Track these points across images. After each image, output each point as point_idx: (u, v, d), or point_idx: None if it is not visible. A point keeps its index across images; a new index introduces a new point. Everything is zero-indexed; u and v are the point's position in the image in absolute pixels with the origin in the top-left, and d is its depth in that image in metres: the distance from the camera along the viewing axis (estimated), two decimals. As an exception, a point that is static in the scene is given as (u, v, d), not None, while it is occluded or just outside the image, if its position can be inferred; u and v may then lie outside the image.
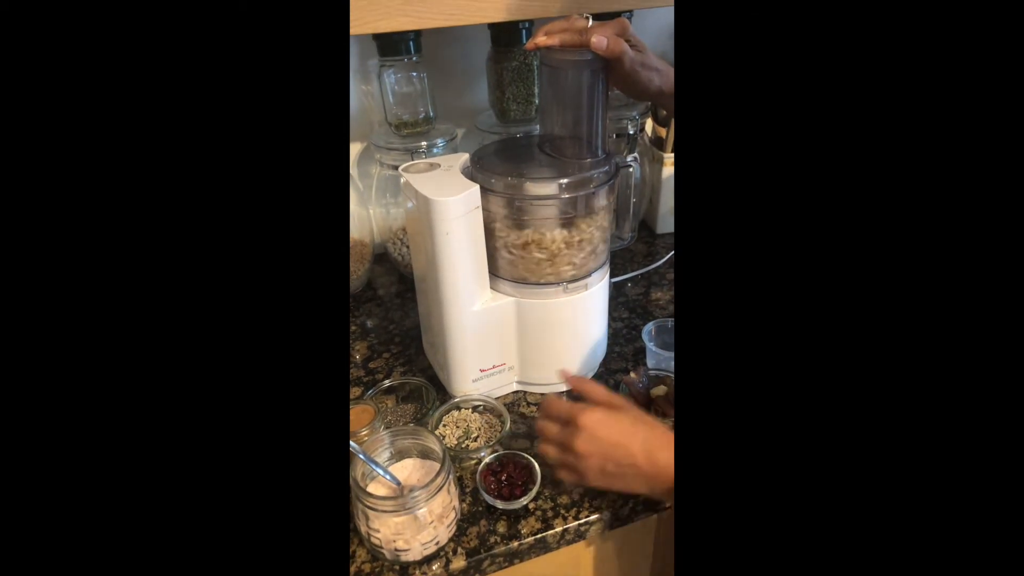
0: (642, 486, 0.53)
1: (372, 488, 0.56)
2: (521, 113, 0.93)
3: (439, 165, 0.66)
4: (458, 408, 0.70)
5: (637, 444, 0.52)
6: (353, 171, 0.99)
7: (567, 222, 0.65)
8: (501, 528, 0.58)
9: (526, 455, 0.62)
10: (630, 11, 0.90)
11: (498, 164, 0.66)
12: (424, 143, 0.88)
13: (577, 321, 0.70)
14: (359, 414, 0.64)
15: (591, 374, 0.76)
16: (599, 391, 0.59)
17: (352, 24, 0.61)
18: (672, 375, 0.70)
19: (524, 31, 0.87)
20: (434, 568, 0.55)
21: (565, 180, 0.62)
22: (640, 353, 0.80)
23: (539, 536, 0.57)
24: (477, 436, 0.67)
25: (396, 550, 0.53)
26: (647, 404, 0.68)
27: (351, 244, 0.94)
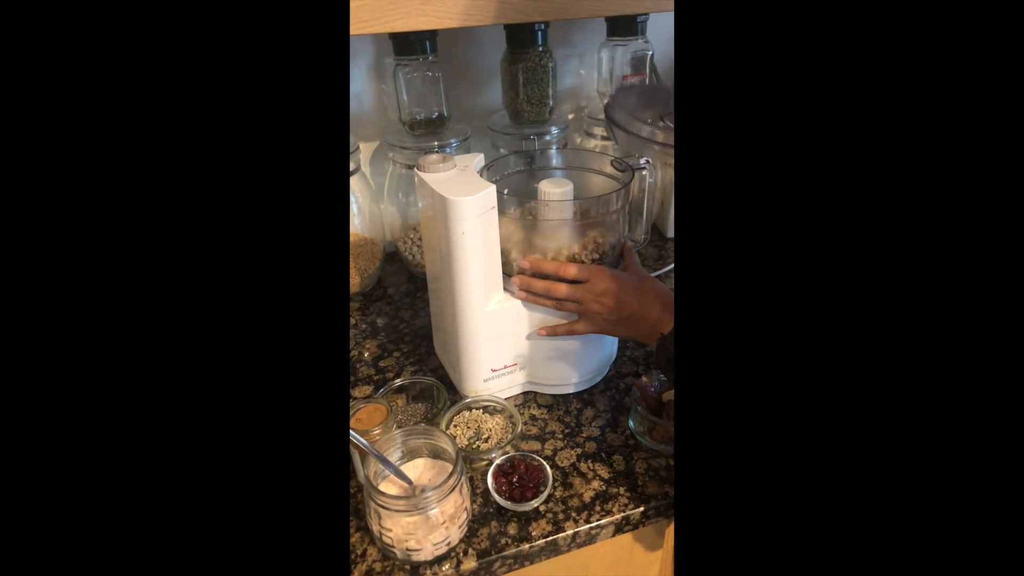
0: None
1: (384, 487, 0.56)
2: (535, 115, 0.93)
3: (453, 159, 0.66)
4: (469, 408, 0.70)
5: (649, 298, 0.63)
6: (366, 169, 0.99)
7: (581, 224, 0.65)
8: (512, 530, 0.58)
9: (537, 457, 0.62)
10: (645, 14, 0.89)
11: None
12: (436, 143, 0.88)
13: (589, 323, 0.70)
14: (371, 412, 0.63)
15: (601, 377, 0.76)
16: (572, 266, 0.64)
17: (370, 23, 0.61)
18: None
19: (540, 32, 0.87)
20: (445, 568, 0.54)
21: (581, 182, 0.62)
22: (651, 357, 0.80)
23: (549, 538, 0.57)
24: (488, 437, 0.67)
25: (407, 550, 0.53)
26: (658, 408, 0.67)
27: (363, 242, 0.94)
